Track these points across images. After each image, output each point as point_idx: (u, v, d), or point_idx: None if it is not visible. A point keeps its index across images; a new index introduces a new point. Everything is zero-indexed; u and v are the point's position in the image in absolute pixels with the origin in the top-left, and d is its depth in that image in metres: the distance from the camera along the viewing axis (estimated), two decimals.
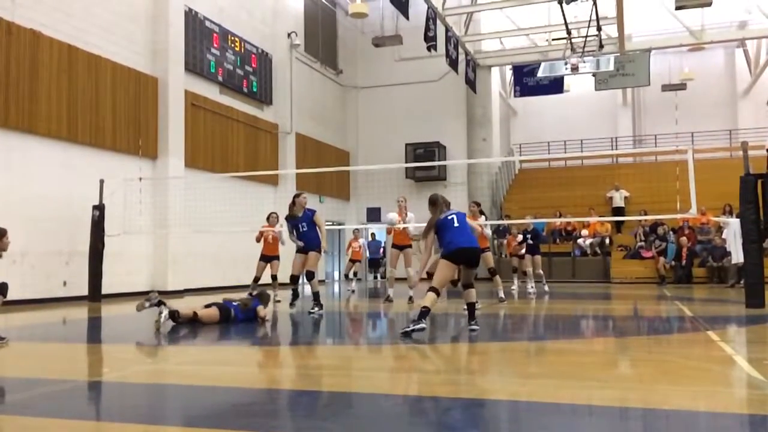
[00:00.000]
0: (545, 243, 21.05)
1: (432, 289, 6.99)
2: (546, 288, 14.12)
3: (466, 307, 7.37)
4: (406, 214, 11.52)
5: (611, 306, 12.09)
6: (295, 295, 10.48)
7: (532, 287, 13.72)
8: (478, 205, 11.66)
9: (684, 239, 18.37)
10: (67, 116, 12.81)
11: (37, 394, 4.28)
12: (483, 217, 11.55)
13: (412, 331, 6.65)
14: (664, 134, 25.78)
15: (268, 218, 12.65)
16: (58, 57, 12.63)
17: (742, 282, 12.13)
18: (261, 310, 8.48)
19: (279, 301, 11.67)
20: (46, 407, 3.94)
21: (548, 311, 10.78)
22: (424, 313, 6.79)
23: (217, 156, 17.26)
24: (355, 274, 16.48)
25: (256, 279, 12.36)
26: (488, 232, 11.46)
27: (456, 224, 7.25)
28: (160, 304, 7.89)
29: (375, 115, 25.00)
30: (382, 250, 22.80)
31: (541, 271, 14.16)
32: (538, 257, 14.08)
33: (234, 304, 8.46)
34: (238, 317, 8.34)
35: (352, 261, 16.60)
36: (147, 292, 13.26)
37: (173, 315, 8.00)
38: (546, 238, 21.03)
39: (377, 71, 24.84)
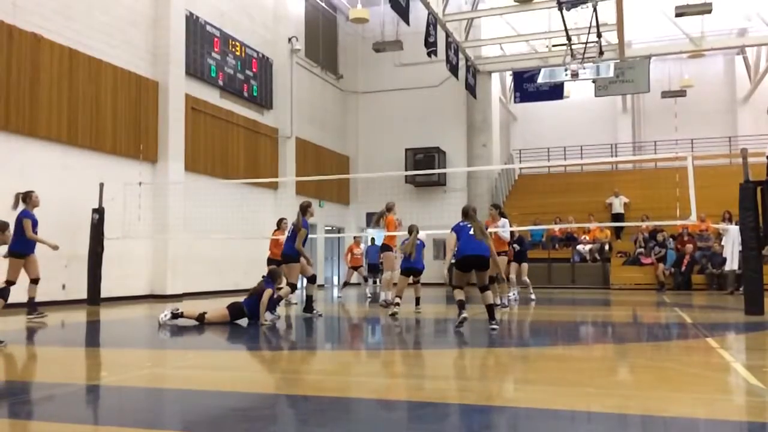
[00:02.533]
0: (546, 249, 21.08)
1: (454, 287, 8.14)
2: (533, 296, 13.82)
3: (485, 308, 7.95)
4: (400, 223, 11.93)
5: (610, 312, 12.08)
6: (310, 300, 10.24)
7: (513, 295, 13.52)
8: (497, 207, 11.63)
9: (689, 246, 18.36)
10: (68, 120, 12.82)
11: (35, 397, 4.28)
12: (504, 219, 11.45)
13: (460, 323, 7.77)
14: (663, 141, 25.82)
15: (279, 224, 13.00)
16: (59, 60, 12.65)
17: (741, 289, 12.11)
18: (266, 295, 8.54)
19: (296, 303, 12.28)
20: (45, 411, 3.94)
21: (547, 317, 10.77)
22: (460, 305, 7.89)
23: (217, 160, 17.27)
24: (365, 279, 16.10)
25: None
26: (505, 236, 11.28)
27: (471, 233, 7.94)
28: (175, 316, 8.31)
29: (375, 120, 25.03)
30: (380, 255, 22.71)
31: (527, 279, 13.82)
32: (525, 265, 13.68)
33: (244, 299, 8.64)
34: (247, 308, 8.51)
35: (353, 268, 16.21)
36: (146, 296, 13.33)
37: (176, 314, 8.28)
38: (541, 240, 21.04)
39: (377, 76, 24.88)
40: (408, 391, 4.56)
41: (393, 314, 9.65)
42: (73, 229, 12.73)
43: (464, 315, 7.79)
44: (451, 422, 3.67)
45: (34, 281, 9.54)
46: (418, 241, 10.54)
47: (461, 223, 8.11)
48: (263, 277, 8.97)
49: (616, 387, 4.69)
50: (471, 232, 7.89)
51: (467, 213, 8.19)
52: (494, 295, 11.72)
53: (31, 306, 9.53)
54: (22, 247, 9.17)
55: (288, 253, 9.68)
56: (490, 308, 7.81)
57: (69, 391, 4.59)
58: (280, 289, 9.54)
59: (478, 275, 7.97)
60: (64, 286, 12.59)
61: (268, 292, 8.58)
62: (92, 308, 11.94)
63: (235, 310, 8.56)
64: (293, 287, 9.86)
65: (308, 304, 9.98)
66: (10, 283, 8.68)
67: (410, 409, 3.98)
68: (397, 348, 7.17)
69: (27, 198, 9.47)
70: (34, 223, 9.40)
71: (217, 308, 8.68)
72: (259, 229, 16.08)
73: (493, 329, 7.57)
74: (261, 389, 4.77)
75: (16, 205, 9.41)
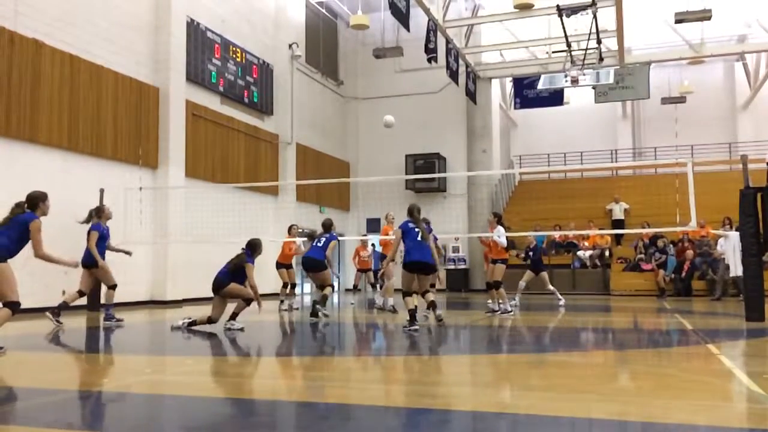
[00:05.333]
0: (545, 255, 21.04)
1: (404, 294, 8.77)
2: (561, 303, 13.85)
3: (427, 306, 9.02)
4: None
5: (611, 318, 12.06)
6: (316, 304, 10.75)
7: (515, 301, 13.58)
8: (496, 215, 11.79)
9: (690, 252, 18.34)
10: (69, 125, 12.83)
11: (34, 403, 4.27)
12: (500, 227, 11.54)
13: (412, 329, 8.27)
14: (663, 147, 25.83)
15: (289, 230, 13.56)
16: (60, 66, 12.67)
17: (741, 296, 12.09)
18: (249, 270, 8.61)
19: (297, 309, 12.71)
20: (44, 417, 3.93)
21: (547, 323, 10.76)
22: (411, 314, 8.48)
23: (218, 166, 17.28)
24: (372, 285, 15.85)
25: (285, 284, 13.00)
26: (502, 240, 11.37)
27: (419, 238, 8.54)
28: (191, 324, 8.69)
29: (375, 126, 24.90)
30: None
31: (552, 287, 13.95)
32: (544, 274, 13.85)
33: (224, 269, 8.78)
34: (223, 279, 8.64)
35: (361, 271, 16.10)
36: (146, 302, 13.37)
37: (192, 323, 8.69)
38: (546, 251, 21.01)
39: (378, 82, 24.92)
40: (408, 398, 4.55)
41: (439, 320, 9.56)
42: (73, 235, 12.69)
43: (416, 326, 8.32)
44: (451, 429, 3.66)
45: (112, 287, 9.96)
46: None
47: (409, 224, 8.65)
48: (243, 249, 8.95)
49: (617, 393, 4.68)
50: (419, 237, 8.52)
51: (412, 212, 8.73)
52: (492, 301, 11.85)
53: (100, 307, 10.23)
54: (92, 258, 9.72)
55: (321, 259, 10.68)
56: (434, 304, 8.84)
57: (68, 397, 4.58)
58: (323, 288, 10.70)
59: (420, 279, 8.80)
60: (63, 292, 12.54)
61: (250, 267, 8.64)
62: (92, 314, 11.93)
63: (216, 284, 8.75)
64: (332, 287, 11.19)
65: (314, 309, 10.42)
66: (114, 287, 9.77)
67: (410, 416, 3.97)
68: (397, 354, 7.16)
69: (99, 212, 10.08)
70: (104, 236, 9.95)
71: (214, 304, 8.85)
72: (260, 235, 16.04)
73: (440, 321, 8.70)
74: (261, 396, 4.76)
75: (88, 220, 10.06)
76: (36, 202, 6.84)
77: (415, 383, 5.22)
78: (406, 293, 8.71)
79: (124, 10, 14.38)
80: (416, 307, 8.64)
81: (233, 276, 8.68)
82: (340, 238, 22.18)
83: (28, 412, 4.05)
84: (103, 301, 9.94)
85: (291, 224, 13.85)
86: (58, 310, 9.56)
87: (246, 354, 7.19)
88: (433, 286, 10.50)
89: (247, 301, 8.73)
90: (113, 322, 9.76)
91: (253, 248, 8.91)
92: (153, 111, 14.94)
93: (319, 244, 10.78)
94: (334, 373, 5.78)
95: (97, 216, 10.02)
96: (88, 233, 9.85)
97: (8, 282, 6.39)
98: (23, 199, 6.98)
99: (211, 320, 8.64)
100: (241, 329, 8.36)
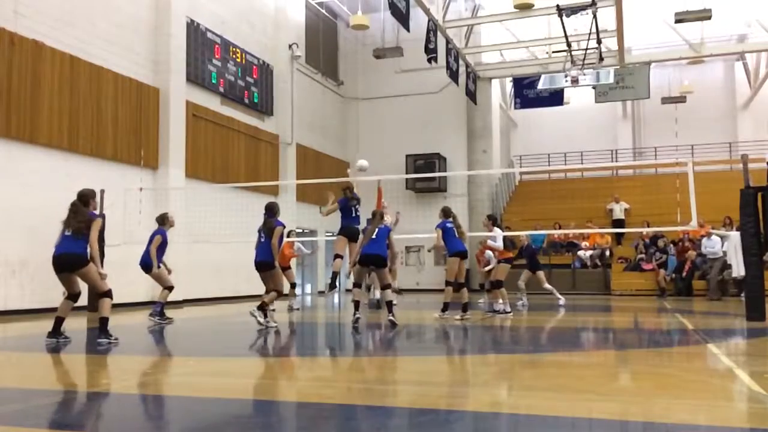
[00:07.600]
0: (546, 255, 21.03)
1: (354, 285, 9.41)
2: (561, 302, 13.87)
3: (385, 302, 9.16)
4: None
5: (612, 318, 12.06)
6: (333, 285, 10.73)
7: (521, 302, 13.65)
8: (490, 218, 11.86)
9: (691, 252, 18.33)
10: (69, 126, 12.84)
11: (35, 404, 4.27)
12: (497, 229, 11.60)
13: (356, 321, 8.85)
14: (664, 147, 25.83)
15: (289, 234, 13.64)
16: (60, 67, 12.68)
17: (742, 295, 12.08)
18: (278, 232, 8.77)
19: (297, 309, 12.98)
20: (45, 418, 3.93)
21: (547, 324, 10.76)
22: (356, 305, 9.05)
23: (218, 166, 17.28)
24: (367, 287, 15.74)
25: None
26: (498, 244, 11.44)
27: (374, 236, 9.13)
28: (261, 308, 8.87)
29: (375, 127, 25.04)
30: None
31: (548, 285, 13.98)
32: (540, 273, 13.89)
33: (262, 242, 8.95)
34: (262, 254, 8.89)
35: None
36: (146, 303, 13.43)
37: (262, 306, 8.82)
38: (537, 251, 21.01)
39: (378, 83, 24.92)
40: (409, 398, 4.55)
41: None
42: None
43: (358, 315, 8.86)
44: (452, 429, 3.66)
45: (169, 288, 10.55)
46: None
47: (368, 225, 9.43)
48: (264, 215, 9.03)
49: (618, 393, 4.68)
50: (373, 236, 9.07)
51: (374, 216, 9.45)
52: (493, 300, 11.89)
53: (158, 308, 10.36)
54: (150, 260, 10.30)
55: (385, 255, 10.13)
56: (390, 305, 8.99)
57: (69, 398, 4.58)
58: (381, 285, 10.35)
59: (377, 273, 9.30)
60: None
61: (279, 230, 8.79)
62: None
63: (260, 252, 8.86)
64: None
65: (332, 282, 10.47)
66: (171, 288, 10.49)
67: (411, 416, 3.96)
68: (397, 354, 7.16)
69: (164, 219, 10.62)
70: (165, 242, 10.50)
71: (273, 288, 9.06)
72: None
73: (393, 323, 8.68)
74: (263, 396, 4.76)
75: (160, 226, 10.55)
76: (87, 199, 7.61)
77: (414, 383, 5.22)
78: (356, 284, 9.31)
79: (124, 11, 14.39)
80: (360, 301, 9.25)
81: (269, 244, 8.76)
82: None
83: (28, 412, 4.05)
84: (156, 299, 10.47)
85: (290, 230, 14.11)
86: (160, 311, 10.17)
87: (247, 355, 7.19)
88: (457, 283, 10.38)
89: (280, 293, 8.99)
90: (156, 319, 10.04)
91: (273, 211, 9.01)
92: (153, 112, 14.95)
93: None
94: (334, 373, 5.78)
95: (162, 223, 10.53)
96: (152, 237, 10.30)
97: (97, 276, 7.37)
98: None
99: (278, 293, 8.92)
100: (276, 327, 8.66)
